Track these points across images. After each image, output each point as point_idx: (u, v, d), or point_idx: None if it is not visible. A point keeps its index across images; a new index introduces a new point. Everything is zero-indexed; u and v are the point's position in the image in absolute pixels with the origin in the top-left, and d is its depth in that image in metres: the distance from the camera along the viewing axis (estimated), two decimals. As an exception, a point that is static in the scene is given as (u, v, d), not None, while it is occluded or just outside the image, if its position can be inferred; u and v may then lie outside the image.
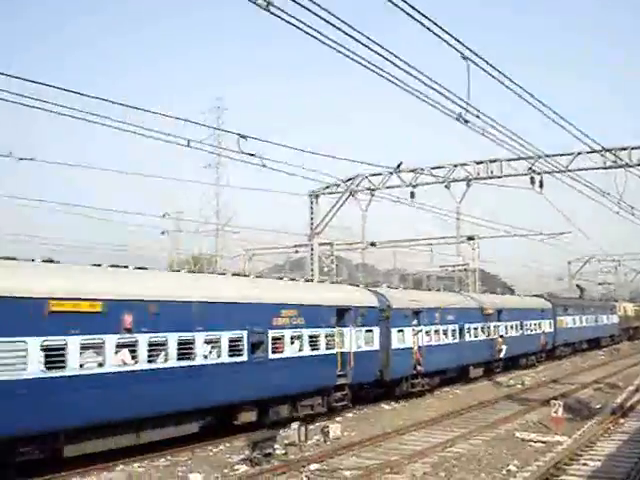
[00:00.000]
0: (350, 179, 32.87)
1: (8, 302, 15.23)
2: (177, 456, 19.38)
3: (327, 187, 34.27)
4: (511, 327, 43.47)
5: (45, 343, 15.82)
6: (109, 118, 16.14)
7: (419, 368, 31.24)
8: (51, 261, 18.05)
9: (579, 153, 29.20)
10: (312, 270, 36.28)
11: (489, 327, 39.79)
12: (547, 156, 28.47)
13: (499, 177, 31.15)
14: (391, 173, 31.63)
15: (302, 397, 23.91)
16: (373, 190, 32.71)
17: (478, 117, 14.31)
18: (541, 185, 29.71)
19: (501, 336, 41.30)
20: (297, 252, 50.84)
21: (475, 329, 37.89)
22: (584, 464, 17.93)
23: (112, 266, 19.53)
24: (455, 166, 31.30)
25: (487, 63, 12.76)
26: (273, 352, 22.57)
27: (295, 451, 19.76)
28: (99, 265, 19.15)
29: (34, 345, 15.56)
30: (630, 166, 28.93)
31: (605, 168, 29.44)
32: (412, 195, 31.19)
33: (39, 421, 15.68)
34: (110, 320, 17.37)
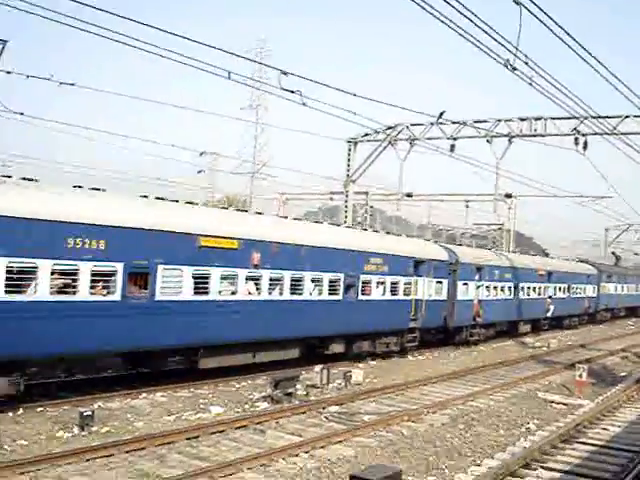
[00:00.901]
0: (390, 127, 32.44)
1: (173, 236, 18.25)
2: (200, 389, 19.64)
3: (366, 134, 33.88)
4: (559, 289, 46.79)
5: (196, 272, 18.86)
6: (151, 44, 15.77)
7: (478, 319, 34.56)
8: (194, 203, 21.41)
9: (627, 116, 28.46)
10: (345, 218, 36.13)
11: (540, 287, 43.18)
12: (593, 117, 27.77)
13: (542, 135, 30.55)
14: (432, 124, 31.14)
15: (380, 335, 27.19)
16: (413, 140, 32.27)
17: (527, 64, 13.91)
18: (585, 146, 29.10)
19: (550, 297, 44.67)
20: (332, 199, 50.55)
21: (528, 288, 41.20)
22: (604, 428, 17.81)
23: (238, 210, 24.18)
24: (498, 121, 30.72)
25: (540, 9, 12.28)
26: (362, 294, 25.69)
27: (316, 393, 19.95)
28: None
29: (188, 273, 18.64)
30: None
31: (652, 132, 28.68)
32: (452, 148, 30.74)
33: (186, 337, 18.90)
34: (243, 256, 20.47)
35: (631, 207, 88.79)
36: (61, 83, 21.83)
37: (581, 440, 16.35)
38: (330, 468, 12.91)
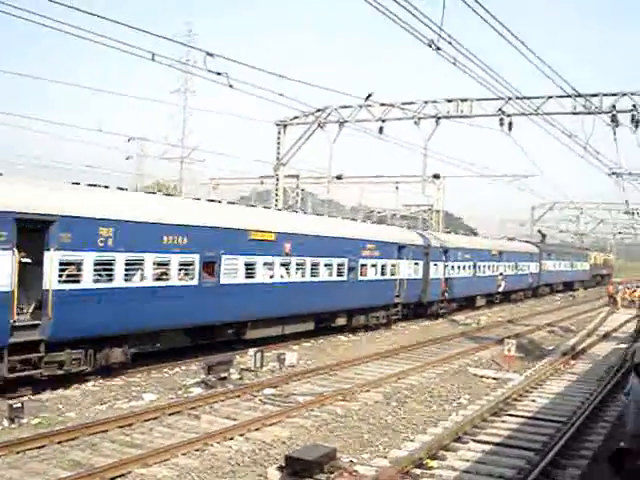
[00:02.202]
0: (319, 110, 32.36)
1: (232, 231, 22.52)
2: (132, 377, 19.40)
3: (296, 117, 33.76)
4: (508, 267, 51.69)
5: (246, 261, 22.99)
6: (73, 26, 15.30)
7: (445, 295, 39.64)
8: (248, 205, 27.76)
9: (550, 97, 28.98)
10: (276, 202, 36.03)
11: (493, 266, 48.32)
12: (518, 98, 28.23)
13: (468, 117, 30.83)
14: (361, 106, 31.19)
15: (372, 310, 31.76)
16: (342, 123, 32.30)
17: (450, 44, 14.00)
18: (510, 127, 29.55)
19: (501, 274, 49.58)
20: (262, 183, 50.39)
21: (484, 267, 46.33)
22: (532, 400, 18.37)
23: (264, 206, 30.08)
24: (425, 102, 30.92)
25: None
26: (361, 275, 30.29)
27: (250, 376, 19.93)
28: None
29: (241, 261, 22.84)
30: (600, 113, 28.81)
31: (575, 113, 29.26)
32: (381, 130, 30.84)
33: (239, 313, 22.96)
34: (278, 246, 24.69)
35: (555, 185, 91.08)
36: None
37: (510, 412, 16.82)
38: (265, 450, 12.95)
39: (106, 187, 19.74)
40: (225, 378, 18.80)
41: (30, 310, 16.93)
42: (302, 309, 26.25)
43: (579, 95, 28.19)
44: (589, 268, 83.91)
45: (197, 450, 12.84)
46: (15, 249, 15.86)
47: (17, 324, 16.10)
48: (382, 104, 30.90)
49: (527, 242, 63.03)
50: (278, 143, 34.77)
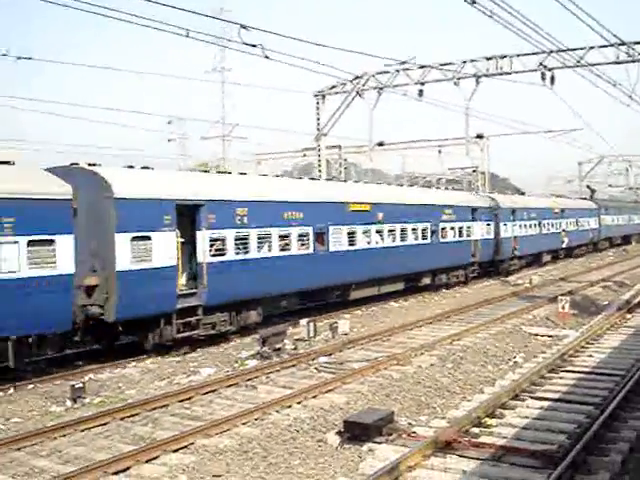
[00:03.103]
0: (357, 77, 32.15)
1: (336, 205, 25.80)
2: (189, 353, 19.69)
3: (333, 87, 33.59)
4: (570, 223, 54.00)
5: (348, 230, 26.18)
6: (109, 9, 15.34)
7: (515, 252, 42.09)
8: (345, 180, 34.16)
9: (592, 47, 28.36)
10: (319, 173, 36.00)
11: (556, 223, 50.70)
12: (559, 51, 27.71)
13: (509, 73, 30.38)
14: (398, 71, 30.92)
15: (451, 270, 34.51)
16: (381, 89, 32.05)
17: (487, -5, 13.72)
18: (552, 81, 29.05)
19: (563, 230, 51.89)
20: (305, 156, 50.31)
21: (548, 224, 48.77)
22: (589, 356, 18.14)
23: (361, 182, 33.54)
24: (464, 62, 30.52)
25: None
26: (442, 237, 33.28)
27: (304, 346, 20.07)
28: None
29: (344, 231, 26.05)
30: (644, 60, 28.10)
31: (619, 62, 28.61)
32: (420, 93, 30.59)
33: (345, 277, 26.00)
34: (372, 216, 27.75)
35: (602, 138, 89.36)
36: (18, 58, 21.36)
37: (567, 369, 16.65)
38: (323, 416, 13.06)
39: (242, 174, 24.67)
40: (280, 349, 18.99)
41: (184, 281, 19.93)
42: (394, 271, 29.16)
43: (622, 43, 27.55)
44: None
45: (256, 419, 13.01)
46: (177, 230, 18.95)
47: (180, 292, 19.21)
48: (420, 66, 30.58)
49: (585, 199, 65.00)
50: (318, 114, 34.68)
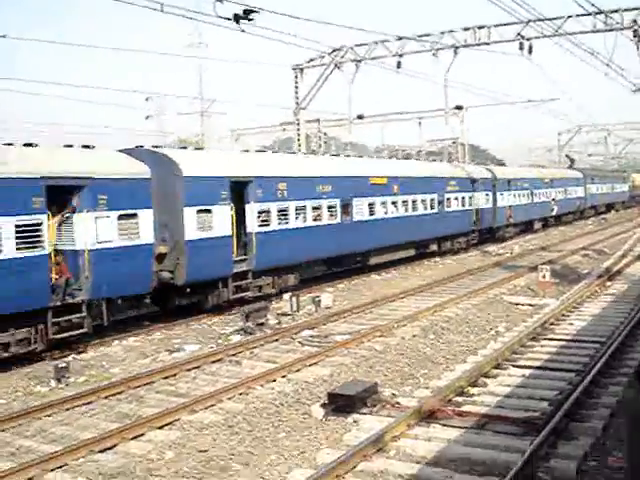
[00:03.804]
0: (335, 50, 31.93)
1: (359, 179, 28.22)
2: (172, 329, 19.69)
3: (312, 60, 33.38)
4: (559, 192, 56.28)
5: (369, 201, 28.67)
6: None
7: (510, 220, 44.80)
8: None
9: (569, 16, 28.28)
10: (299, 147, 35.86)
11: (547, 192, 53.11)
12: (536, 20, 27.64)
13: (487, 44, 30.22)
14: (376, 42, 30.72)
15: (455, 237, 37.22)
16: (359, 61, 31.89)
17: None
18: (530, 51, 28.94)
19: (553, 199, 54.21)
20: (284, 130, 50.01)
21: (539, 193, 51.13)
22: (570, 324, 18.33)
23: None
24: (442, 33, 30.35)
25: None
26: (447, 207, 35.77)
27: (287, 320, 20.11)
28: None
29: (365, 202, 28.47)
30: (622, 29, 28.08)
31: (596, 31, 28.56)
32: (399, 65, 30.41)
33: (366, 244, 28.41)
34: (389, 188, 30.29)
35: (580, 108, 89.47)
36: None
37: (548, 337, 16.84)
38: (308, 389, 13.15)
39: (289, 152, 28.17)
40: (263, 324, 19.04)
41: (236, 249, 21.81)
42: (407, 238, 31.61)
43: (599, 12, 27.50)
44: (628, 189, 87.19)
45: (241, 394, 13.07)
46: (232, 204, 21.28)
47: (235, 259, 21.53)
48: (398, 38, 30.43)
49: (573, 169, 67.59)
50: (296, 87, 34.46)
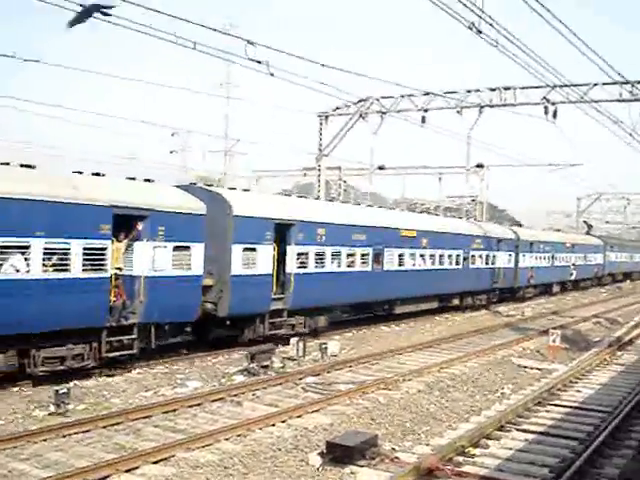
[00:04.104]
0: (361, 100, 32.28)
1: (390, 231, 29.38)
2: (175, 364, 19.63)
3: (337, 108, 33.74)
4: (579, 257, 57.60)
5: (399, 252, 29.96)
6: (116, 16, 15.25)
7: (531, 281, 46.11)
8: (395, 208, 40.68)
9: (595, 84, 28.51)
10: (318, 193, 36.04)
11: (567, 257, 54.44)
12: (563, 86, 27.86)
13: (512, 105, 30.51)
14: (403, 96, 31.04)
15: (477, 293, 38.46)
16: (384, 113, 32.19)
17: (491, 25, 13.77)
18: (555, 115, 29.17)
19: (573, 264, 55.54)
20: (305, 175, 50.27)
21: (560, 257, 52.60)
22: (577, 391, 18.10)
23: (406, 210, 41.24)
24: (468, 92, 30.67)
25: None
26: (471, 264, 36.99)
27: (292, 365, 19.99)
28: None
29: (396, 253, 29.74)
30: (647, 100, 28.24)
31: (621, 101, 28.75)
32: (423, 119, 30.70)
33: (393, 293, 29.68)
34: (418, 241, 31.62)
35: (601, 175, 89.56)
36: (25, 60, 21.35)
37: (554, 402, 16.60)
38: (307, 436, 12.99)
39: (322, 200, 30.65)
40: (267, 366, 18.91)
41: (275, 288, 22.99)
42: (431, 290, 32.94)
43: (626, 82, 27.70)
44: None
45: (239, 435, 12.94)
46: (274, 244, 22.58)
47: (273, 297, 22.69)
48: (425, 93, 30.72)
49: (593, 235, 69.35)
50: (320, 134, 34.79)
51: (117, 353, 17.72)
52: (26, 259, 15.31)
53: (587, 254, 60.13)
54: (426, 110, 30.89)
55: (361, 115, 32.94)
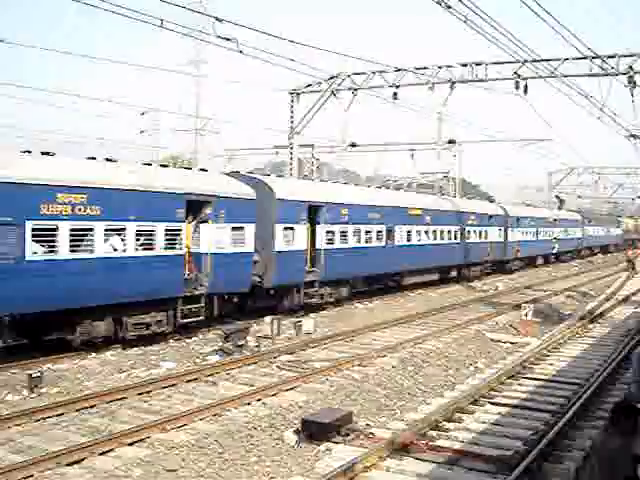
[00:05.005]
0: (332, 77, 32.06)
1: (399, 209, 32.76)
2: (149, 346, 19.51)
3: (309, 85, 33.48)
4: (560, 232, 60.80)
5: (407, 229, 33.19)
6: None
7: (518, 254, 49.20)
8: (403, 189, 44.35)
9: (566, 59, 28.51)
10: (291, 171, 35.87)
11: (550, 231, 57.82)
12: (533, 61, 27.86)
13: (483, 80, 30.38)
14: (374, 72, 30.84)
15: (472, 265, 41.88)
16: (355, 89, 32.02)
17: (461, 1, 13.68)
18: (525, 90, 29.14)
19: (555, 238, 58.84)
20: (277, 153, 50.07)
21: (544, 232, 56.07)
22: (550, 364, 18.27)
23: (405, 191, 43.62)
24: (440, 67, 30.53)
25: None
26: (467, 239, 40.34)
27: (267, 344, 19.99)
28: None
29: (404, 229, 32.90)
30: (617, 74, 28.34)
31: (592, 75, 28.80)
32: (395, 96, 30.57)
33: (402, 265, 32.74)
34: (423, 219, 35.00)
35: (572, 150, 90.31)
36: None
37: (527, 376, 16.77)
38: (282, 414, 13.01)
39: (345, 184, 32.99)
40: (242, 346, 18.88)
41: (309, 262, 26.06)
42: (434, 263, 36.15)
43: (596, 56, 27.75)
44: (621, 233, 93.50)
45: (215, 415, 12.95)
46: (308, 224, 25.83)
47: (307, 270, 25.78)
48: (396, 69, 30.59)
49: (572, 211, 72.51)
50: (291, 112, 34.51)
51: (188, 320, 20.54)
52: (122, 239, 18.19)
53: (568, 228, 63.59)
54: (397, 86, 30.72)
55: (332, 92, 32.69)
